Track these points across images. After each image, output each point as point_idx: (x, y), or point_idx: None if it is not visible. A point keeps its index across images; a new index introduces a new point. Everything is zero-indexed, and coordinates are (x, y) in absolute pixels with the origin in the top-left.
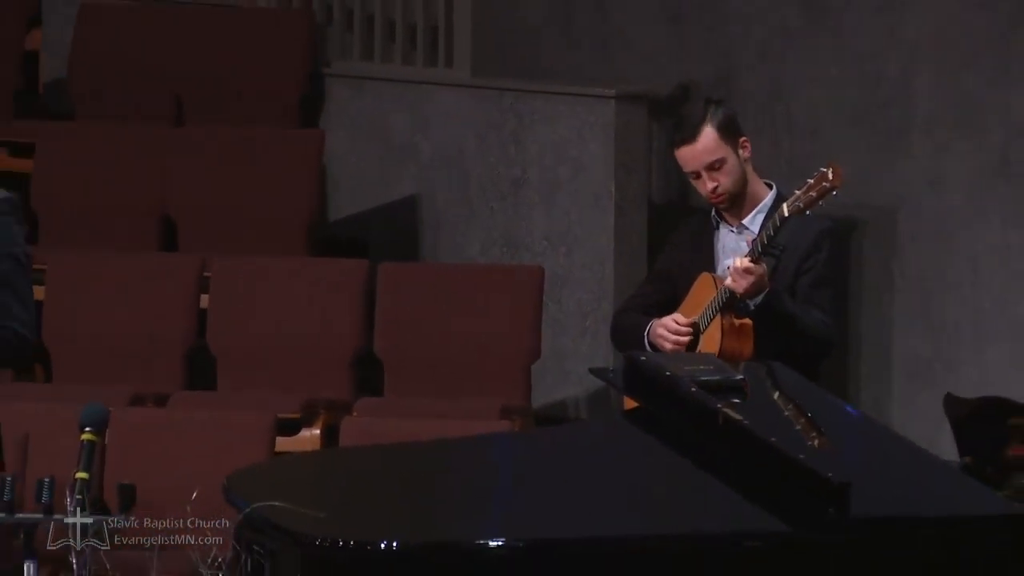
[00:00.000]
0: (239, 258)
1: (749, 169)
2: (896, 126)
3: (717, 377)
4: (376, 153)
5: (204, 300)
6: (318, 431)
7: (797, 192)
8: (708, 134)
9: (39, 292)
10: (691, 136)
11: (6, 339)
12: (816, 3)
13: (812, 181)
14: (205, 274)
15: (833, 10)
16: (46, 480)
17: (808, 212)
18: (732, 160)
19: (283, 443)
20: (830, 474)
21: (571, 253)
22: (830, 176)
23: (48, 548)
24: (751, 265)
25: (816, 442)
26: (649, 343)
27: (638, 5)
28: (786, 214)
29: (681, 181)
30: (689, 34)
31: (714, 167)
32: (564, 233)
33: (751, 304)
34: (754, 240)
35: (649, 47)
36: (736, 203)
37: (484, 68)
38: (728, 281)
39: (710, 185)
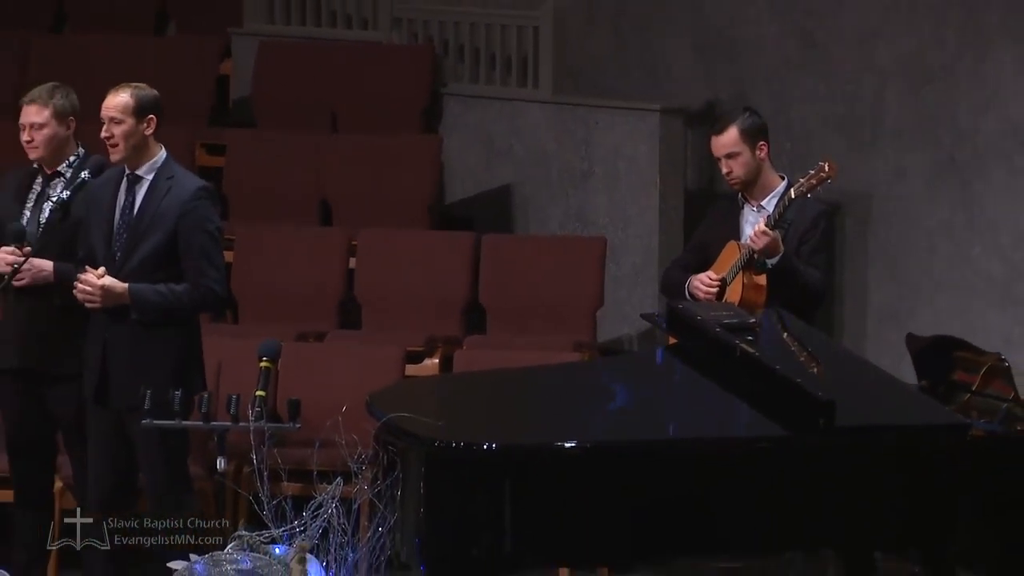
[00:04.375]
0: (378, 231)
1: (766, 165)
2: (870, 132)
3: (736, 320)
4: (481, 152)
5: (352, 262)
6: (437, 360)
7: (801, 180)
8: (731, 132)
9: (229, 256)
10: (720, 130)
11: (203, 294)
12: (809, 39)
13: (813, 172)
14: (353, 243)
15: (822, 45)
16: (233, 397)
17: (809, 195)
18: (746, 156)
19: (411, 369)
20: (820, 393)
21: (626, 228)
22: (827, 169)
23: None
24: (768, 229)
25: (812, 369)
26: (688, 293)
27: (676, 42)
28: (793, 196)
29: (710, 174)
30: (714, 63)
31: (731, 157)
32: (621, 213)
33: (769, 264)
34: (769, 214)
35: (684, 73)
36: (748, 188)
37: (562, 89)
38: (749, 241)
39: (725, 170)
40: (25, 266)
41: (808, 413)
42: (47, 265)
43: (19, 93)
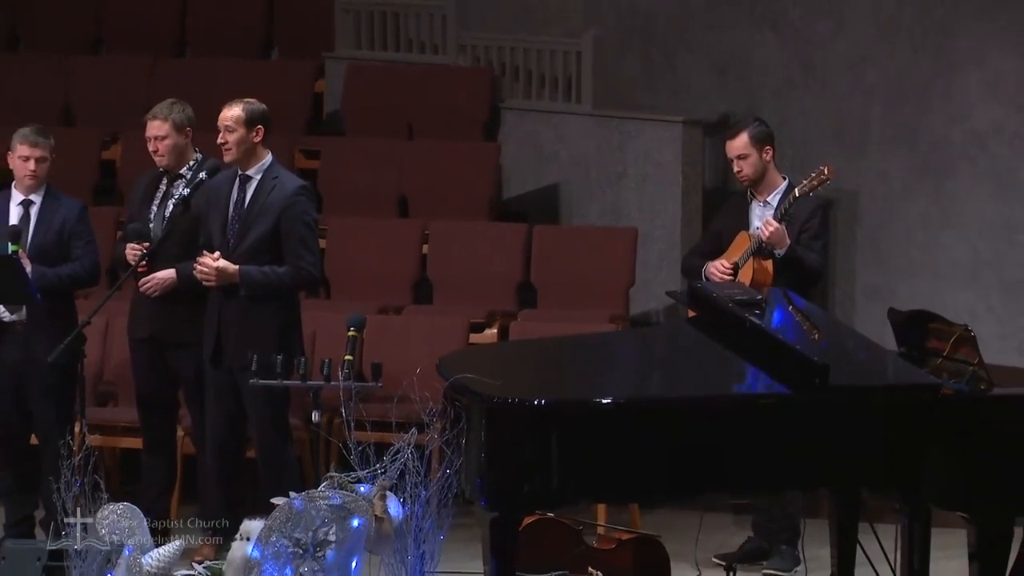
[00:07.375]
0: (447, 222)
1: (771, 167)
2: (858, 140)
3: (746, 297)
4: (532, 157)
5: (425, 248)
6: (495, 330)
7: (804, 181)
8: (742, 137)
9: (323, 243)
10: (733, 135)
11: (301, 275)
12: (809, 64)
13: (815, 174)
14: (426, 232)
15: (819, 68)
16: (326, 360)
17: (811, 194)
18: (754, 158)
19: (473, 338)
20: (816, 357)
21: (654, 219)
22: (826, 172)
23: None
24: (775, 222)
25: (813, 336)
26: (704, 276)
27: (697, 65)
28: (797, 195)
29: (724, 175)
30: (728, 82)
31: (741, 158)
32: (649, 207)
33: (778, 254)
34: (776, 208)
35: (703, 90)
36: (755, 186)
37: (600, 103)
38: (758, 231)
39: (736, 169)
40: (154, 280)
41: (805, 374)
42: (170, 275)
43: (148, 108)
